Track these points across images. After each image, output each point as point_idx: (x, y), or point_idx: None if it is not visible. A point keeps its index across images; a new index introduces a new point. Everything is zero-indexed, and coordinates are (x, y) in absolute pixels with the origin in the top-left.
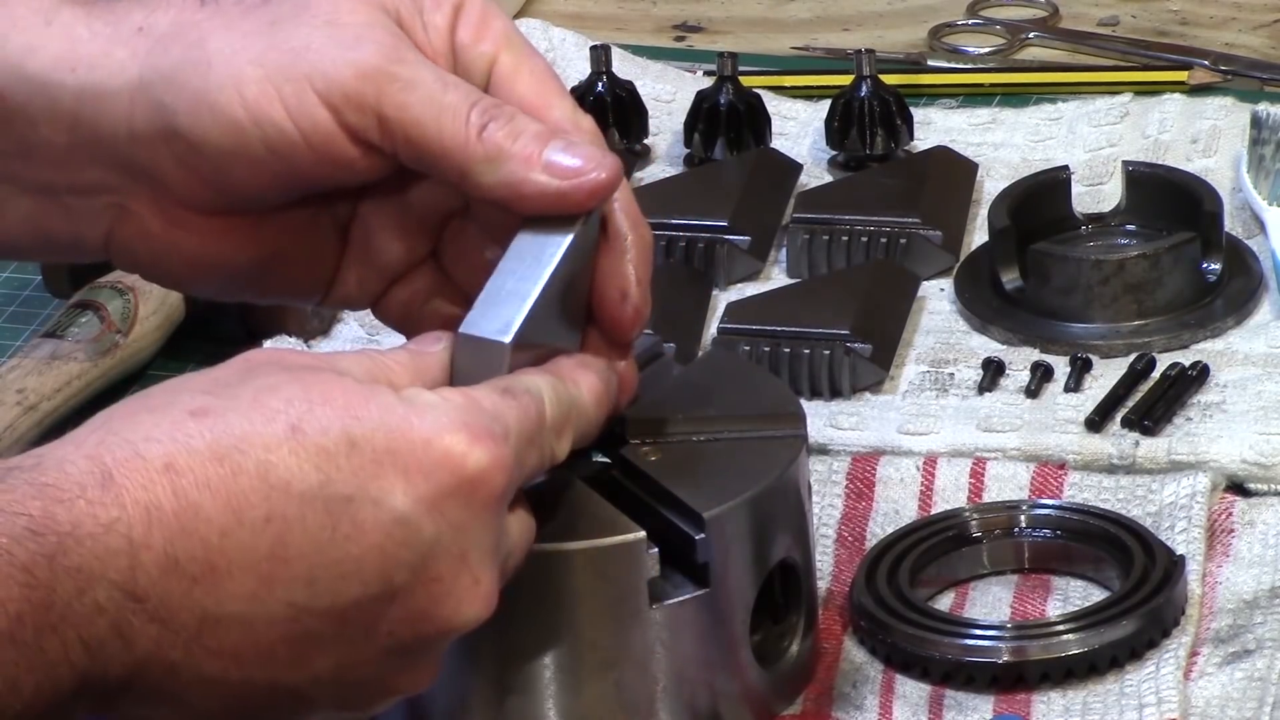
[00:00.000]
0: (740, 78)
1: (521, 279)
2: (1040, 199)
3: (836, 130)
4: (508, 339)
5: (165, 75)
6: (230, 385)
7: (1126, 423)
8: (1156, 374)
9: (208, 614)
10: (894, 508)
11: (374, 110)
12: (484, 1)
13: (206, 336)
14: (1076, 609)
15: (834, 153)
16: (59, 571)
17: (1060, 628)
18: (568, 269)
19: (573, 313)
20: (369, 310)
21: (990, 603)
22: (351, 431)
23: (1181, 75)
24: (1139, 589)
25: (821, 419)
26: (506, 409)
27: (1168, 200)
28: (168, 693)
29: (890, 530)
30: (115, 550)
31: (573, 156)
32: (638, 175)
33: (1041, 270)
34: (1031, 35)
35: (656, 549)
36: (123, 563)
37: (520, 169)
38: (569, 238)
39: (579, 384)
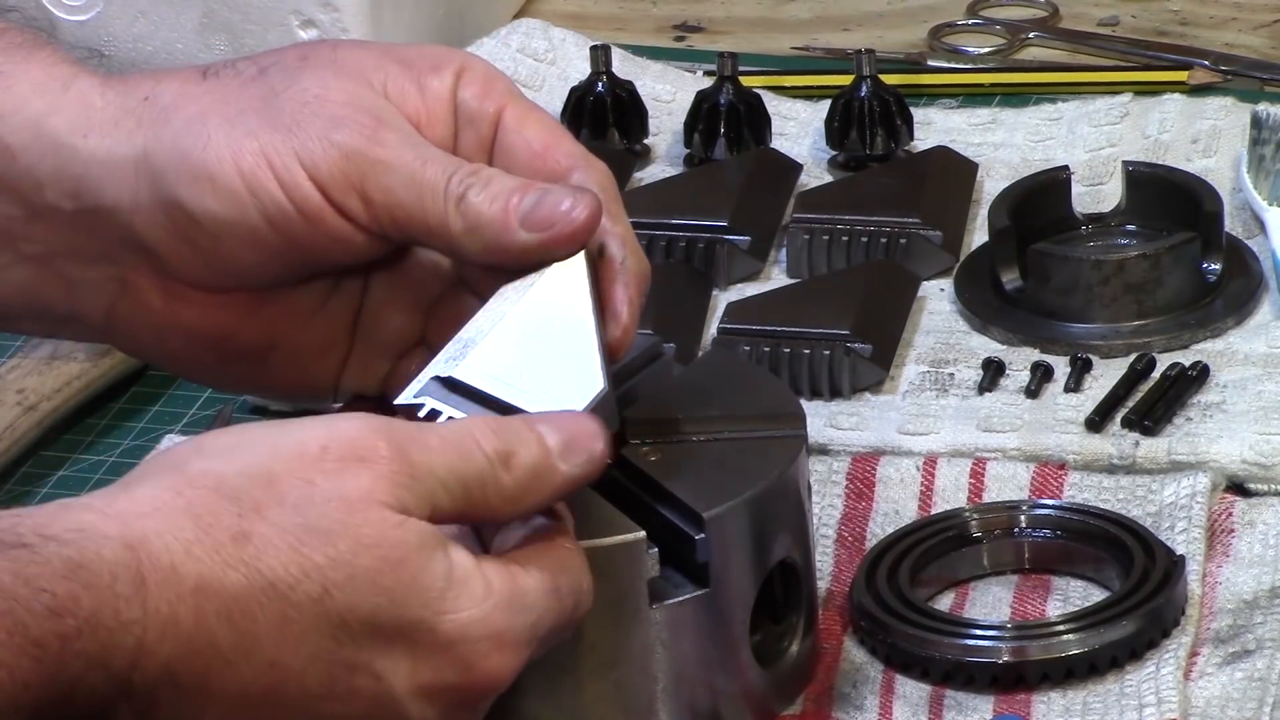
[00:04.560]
0: (740, 78)
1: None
2: (1040, 199)
3: (836, 130)
4: (602, 385)
5: (167, 146)
6: (285, 505)
7: (1126, 423)
8: (1156, 374)
9: None
10: (894, 508)
11: (358, 192)
12: (489, 66)
13: None
14: (1076, 609)
15: (834, 153)
16: (68, 654)
17: (1060, 628)
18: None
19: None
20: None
21: (990, 603)
22: (379, 617)
23: (1181, 75)
24: (1139, 589)
25: (821, 419)
26: (548, 611)
27: (1168, 200)
28: None
29: (890, 530)
30: (123, 647)
31: (548, 206)
32: (638, 175)
33: (1041, 270)
34: (1031, 35)
35: (656, 549)
36: (125, 660)
37: (500, 233)
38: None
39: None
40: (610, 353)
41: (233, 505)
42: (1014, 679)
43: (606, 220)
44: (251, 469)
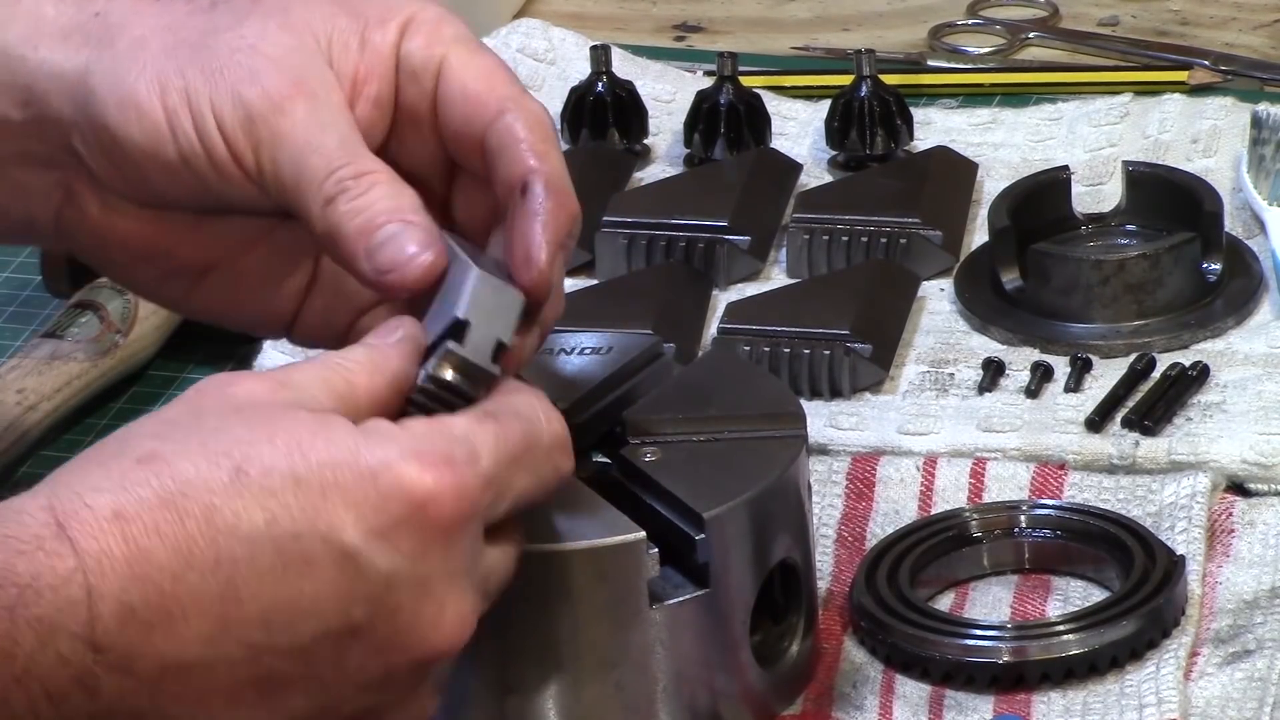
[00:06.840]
0: (740, 78)
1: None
2: (1040, 199)
3: (836, 130)
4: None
5: (106, 67)
6: (178, 427)
7: (1126, 423)
8: (1156, 374)
9: (168, 660)
10: (894, 508)
11: (254, 153)
12: (439, 13)
13: (206, 336)
14: (1076, 609)
15: (834, 153)
16: (20, 623)
17: (1060, 628)
18: None
19: None
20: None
21: (990, 603)
22: (296, 469)
23: (1181, 75)
24: (1139, 589)
25: (821, 419)
26: (481, 432)
27: (1168, 200)
28: None
29: (890, 530)
30: (74, 601)
31: (392, 249)
32: (638, 175)
33: (1041, 270)
34: (1031, 35)
35: (656, 549)
36: (82, 613)
37: (349, 255)
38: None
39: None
40: (530, 298)
41: (132, 443)
42: (1014, 679)
43: (533, 159)
44: (142, 424)
